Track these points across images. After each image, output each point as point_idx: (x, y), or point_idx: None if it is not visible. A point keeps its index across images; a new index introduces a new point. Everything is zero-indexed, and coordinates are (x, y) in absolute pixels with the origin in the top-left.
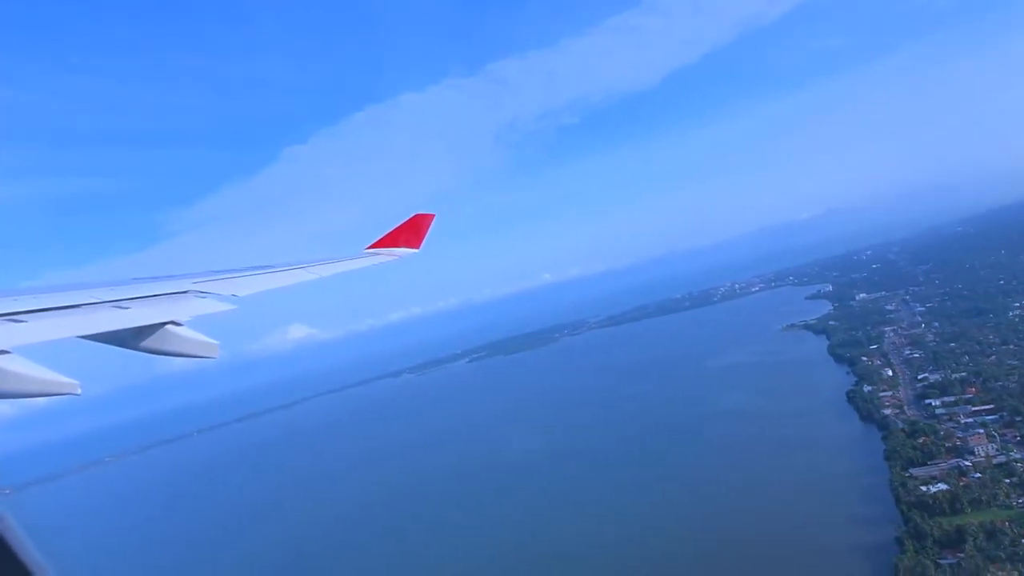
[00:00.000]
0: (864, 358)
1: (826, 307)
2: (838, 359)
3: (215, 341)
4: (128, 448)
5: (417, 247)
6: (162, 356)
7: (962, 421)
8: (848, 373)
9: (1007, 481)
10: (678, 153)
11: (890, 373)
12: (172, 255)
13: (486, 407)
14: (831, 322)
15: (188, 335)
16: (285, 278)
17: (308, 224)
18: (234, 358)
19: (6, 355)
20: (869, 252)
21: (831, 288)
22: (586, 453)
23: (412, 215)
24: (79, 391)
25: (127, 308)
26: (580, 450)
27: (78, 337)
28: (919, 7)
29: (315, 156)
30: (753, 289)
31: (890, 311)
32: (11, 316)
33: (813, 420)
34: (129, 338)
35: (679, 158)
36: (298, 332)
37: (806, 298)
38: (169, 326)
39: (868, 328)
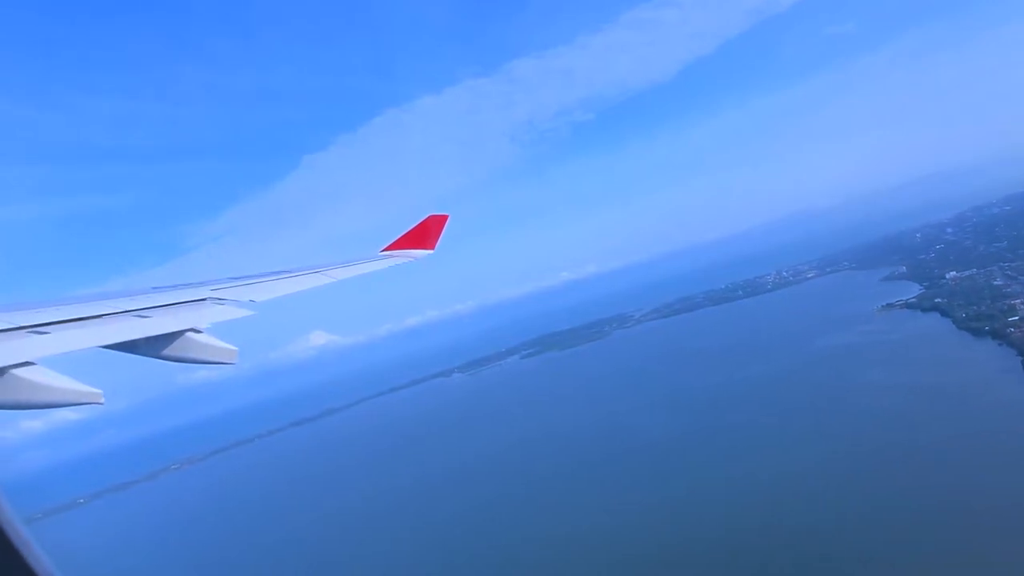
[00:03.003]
0: (1011, 330)
1: (912, 288)
2: (976, 333)
3: (234, 347)
4: (196, 453)
5: (432, 248)
6: (183, 364)
7: None
8: (1000, 345)
9: None
10: (691, 146)
11: None
12: (192, 268)
13: (591, 400)
14: (937, 299)
15: (208, 342)
16: (302, 282)
17: (328, 230)
18: (258, 366)
19: (30, 366)
20: (919, 235)
21: (904, 269)
22: (768, 436)
23: (426, 216)
24: (102, 400)
25: (147, 317)
26: (756, 434)
27: (100, 347)
28: None
29: (334, 162)
30: (808, 275)
31: (1000, 285)
32: (34, 328)
33: (998, 388)
34: (150, 346)
35: (692, 151)
36: (319, 339)
37: (881, 280)
38: (189, 333)
39: (989, 303)
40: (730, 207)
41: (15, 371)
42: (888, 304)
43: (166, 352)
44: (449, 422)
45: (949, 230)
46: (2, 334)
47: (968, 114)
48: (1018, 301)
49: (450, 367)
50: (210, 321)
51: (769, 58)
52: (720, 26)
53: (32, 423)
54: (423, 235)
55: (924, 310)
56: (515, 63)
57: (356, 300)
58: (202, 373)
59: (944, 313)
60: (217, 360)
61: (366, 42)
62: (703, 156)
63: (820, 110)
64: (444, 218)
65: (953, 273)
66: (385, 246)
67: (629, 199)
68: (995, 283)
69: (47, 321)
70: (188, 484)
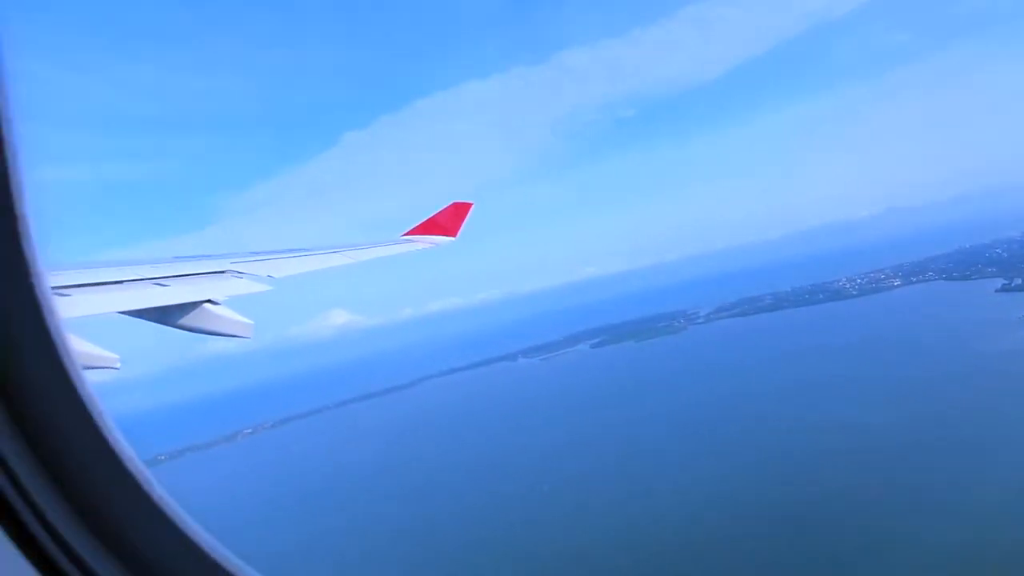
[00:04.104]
0: None
1: None
2: None
3: (250, 321)
4: (262, 421)
5: (455, 235)
6: (199, 334)
7: None
8: None
9: None
10: (730, 148)
11: None
12: (223, 237)
13: (747, 392)
14: None
15: (224, 314)
16: (321, 261)
17: (360, 209)
18: (278, 340)
19: None
20: (1000, 249)
21: (1021, 281)
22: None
23: (451, 202)
24: (119, 365)
25: (167, 286)
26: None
27: (118, 312)
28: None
29: (374, 142)
30: (894, 283)
31: None
32: (55, 290)
33: None
34: (167, 315)
35: (731, 153)
36: (339, 317)
37: (996, 291)
38: (206, 305)
39: None
40: (763, 213)
41: None
42: None
43: (183, 321)
44: (571, 403)
45: None
46: None
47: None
48: None
49: (511, 352)
50: (228, 294)
51: (820, 63)
52: (775, 28)
53: None
54: (447, 221)
55: None
56: (566, 53)
57: (377, 282)
58: (219, 344)
59: None
60: (233, 333)
61: (417, 24)
62: (741, 159)
63: (864, 119)
64: (468, 205)
65: None
66: (407, 230)
67: (662, 198)
68: None
69: (67, 284)
70: (275, 446)
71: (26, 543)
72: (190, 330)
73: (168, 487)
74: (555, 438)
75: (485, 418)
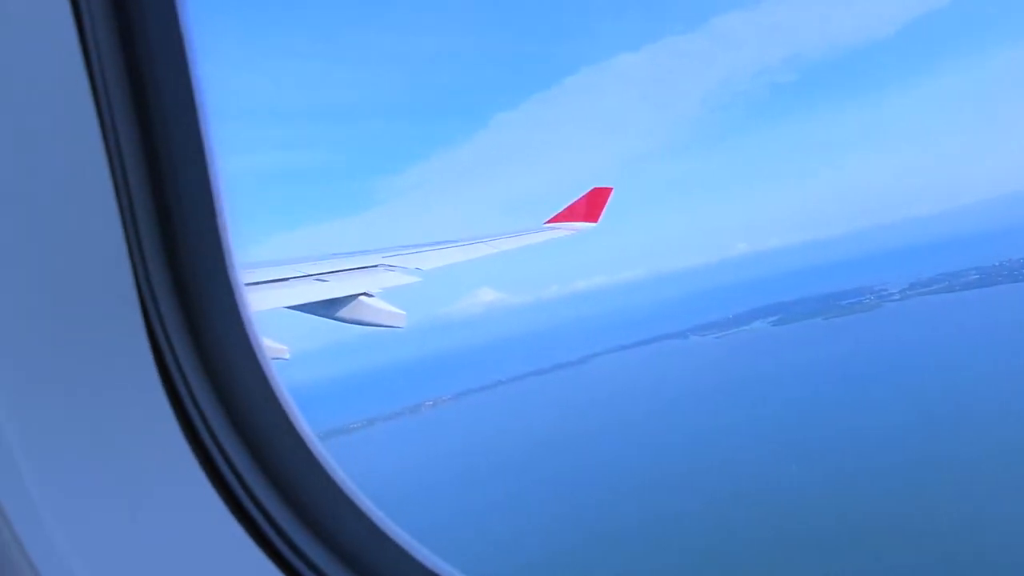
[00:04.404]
0: None
1: None
2: None
3: (403, 311)
4: (440, 395)
5: (596, 221)
6: (355, 325)
7: None
8: None
9: None
10: (903, 111)
11: None
12: (381, 219)
13: None
14: None
15: (379, 305)
16: (467, 252)
17: (511, 189)
18: (430, 318)
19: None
20: None
21: None
22: None
23: (590, 189)
24: (288, 355)
25: (326, 281)
26: None
27: (285, 307)
28: None
29: (525, 121)
30: None
31: None
32: None
33: None
34: (327, 308)
35: (903, 117)
36: (487, 295)
37: None
38: (362, 297)
39: None
40: (941, 182)
41: None
42: None
43: (342, 313)
44: (765, 382)
45: None
46: None
47: None
48: None
49: (679, 330)
50: (381, 286)
51: (1008, 13)
52: None
53: None
54: (587, 208)
55: None
56: (721, 18)
57: (521, 262)
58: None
59: None
60: (387, 323)
61: (567, 1)
62: (916, 123)
63: None
64: (608, 191)
65: None
66: (550, 218)
67: (823, 169)
68: None
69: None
70: (461, 418)
71: (241, 517)
72: (349, 321)
73: (367, 454)
74: (759, 416)
75: (676, 394)
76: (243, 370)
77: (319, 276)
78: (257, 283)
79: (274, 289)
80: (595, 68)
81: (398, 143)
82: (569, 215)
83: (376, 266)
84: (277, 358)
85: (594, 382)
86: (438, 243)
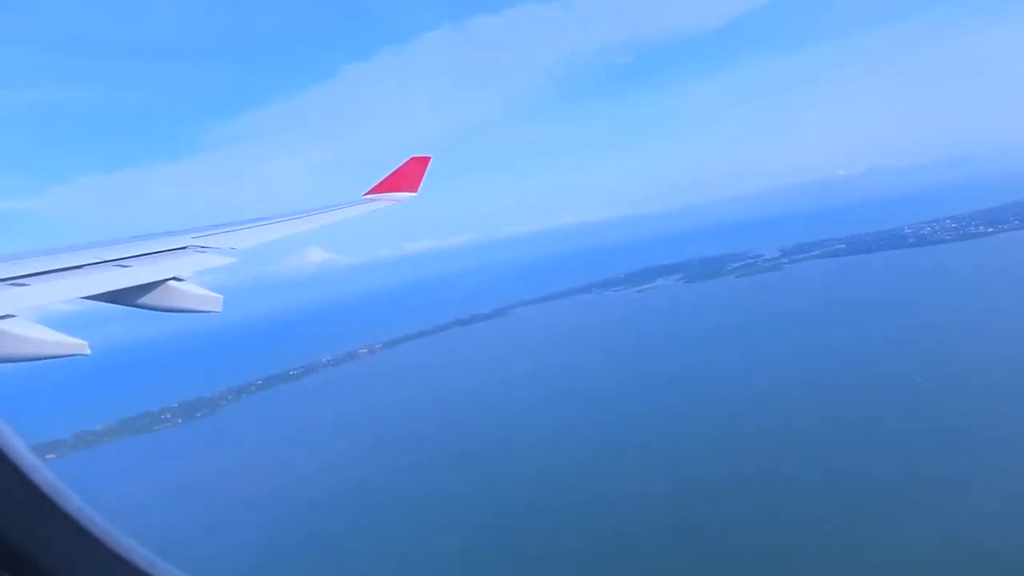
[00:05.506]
0: None
1: None
2: None
3: (219, 295)
4: (374, 341)
5: (415, 191)
6: (167, 313)
7: None
8: None
9: None
10: (718, 100)
11: None
12: (204, 168)
13: None
14: None
15: (190, 290)
16: (284, 229)
17: (349, 145)
18: (258, 277)
19: (10, 319)
20: None
21: None
22: None
23: (409, 158)
24: (88, 351)
25: (128, 266)
26: None
27: (82, 298)
28: None
29: (375, 74)
30: (983, 230)
31: None
32: (14, 280)
33: None
34: (132, 296)
35: (719, 105)
36: (316, 255)
37: None
38: (171, 282)
39: None
40: (744, 167)
41: None
42: None
43: (147, 301)
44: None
45: None
46: None
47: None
48: None
49: (585, 284)
50: (192, 269)
51: (825, 12)
52: None
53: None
54: (406, 177)
55: None
56: None
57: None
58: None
59: None
60: (201, 308)
61: None
62: (728, 111)
63: (857, 72)
64: (427, 160)
65: None
66: (368, 190)
67: (644, 148)
68: None
69: (26, 272)
70: (402, 365)
71: None
72: (158, 309)
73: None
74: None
75: (648, 340)
76: None
77: (120, 261)
78: (47, 272)
79: (68, 277)
80: (453, 27)
81: (226, 86)
82: (388, 185)
83: (186, 248)
84: (75, 355)
85: (542, 328)
86: (252, 221)
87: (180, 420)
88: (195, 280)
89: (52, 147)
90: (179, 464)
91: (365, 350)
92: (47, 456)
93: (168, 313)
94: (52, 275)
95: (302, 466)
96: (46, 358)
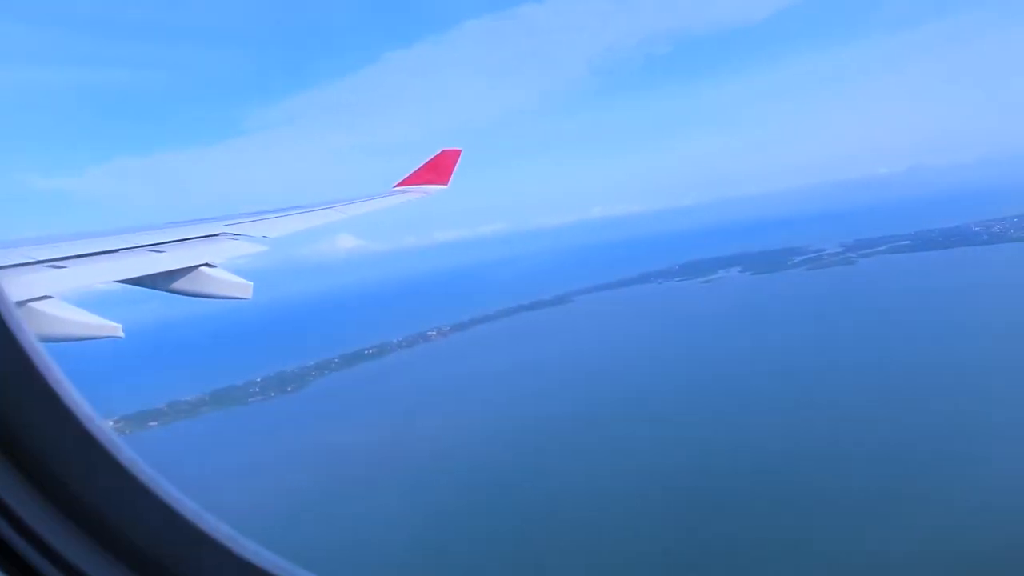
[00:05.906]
0: None
1: None
2: None
3: (248, 282)
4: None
5: (446, 183)
6: (197, 298)
7: None
8: None
9: None
10: (756, 94)
11: None
12: (243, 152)
13: None
14: None
15: (221, 276)
16: (315, 218)
17: (388, 132)
18: (289, 259)
19: (48, 300)
20: None
21: None
22: None
23: (440, 151)
24: (122, 333)
25: (162, 252)
26: None
27: (116, 281)
28: None
29: (416, 62)
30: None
31: None
32: (52, 262)
33: None
34: (164, 281)
35: (756, 99)
36: (347, 242)
37: None
38: (203, 268)
39: None
40: (778, 164)
41: (32, 304)
42: None
43: (180, 286)
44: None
45: None
46: (21, 268)
47: None
48: None
49: (639, 274)
50: (224, 256)
51: (871, 8)
52: None
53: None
54: (437, 170)
55: None
56: None
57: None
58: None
59: None
60: (231, 295)
61: None
62: (768, 105)
63: (904, 69)
64: (457, 153)
65: None
66: (398, 181)
67: (683, 141)
68: None
69: (64, 255)
70: (481, 347)
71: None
72: (189, 294)
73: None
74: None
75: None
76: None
77: (154, 247)
78: (84, 255)
79: (103, 261)
80: (497, 15)
81: (268, 71)
82: (419, 177)
83: (218, 235)
84: (108, 336)
85: (609, 315)
86: (285, 209)
87: (272, 393)
88: (227, 266)
89: (94, 128)
90: (309, 432)
91: (434, 332)
92: (149, 424)
93: (199, 298)
94: (88, 259)
95: (456, 430)
96: (81, 339)
